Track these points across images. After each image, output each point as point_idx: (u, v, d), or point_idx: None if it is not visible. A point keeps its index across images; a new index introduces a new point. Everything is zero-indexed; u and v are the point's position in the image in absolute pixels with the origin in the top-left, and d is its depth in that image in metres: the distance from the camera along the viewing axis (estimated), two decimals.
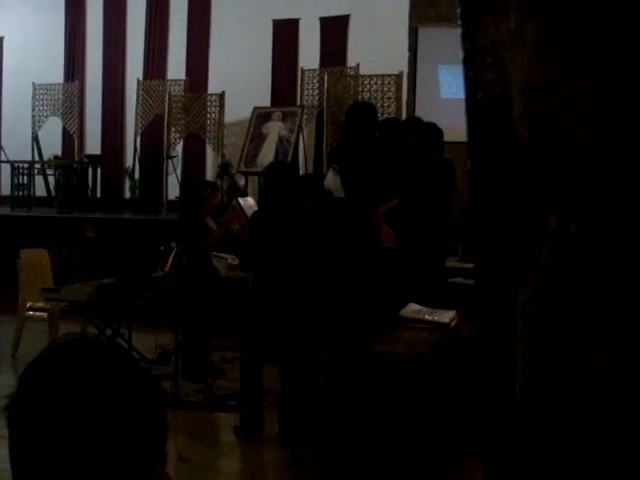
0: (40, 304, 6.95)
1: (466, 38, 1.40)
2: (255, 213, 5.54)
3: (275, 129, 10.38)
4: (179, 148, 11.43)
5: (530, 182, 0.91)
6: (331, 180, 6.03)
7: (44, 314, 6.95)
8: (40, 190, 11.93)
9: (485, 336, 1.57)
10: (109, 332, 6.71)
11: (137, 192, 11.72)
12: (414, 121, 6.73)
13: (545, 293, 0.91)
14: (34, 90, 12.03)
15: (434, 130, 6.52)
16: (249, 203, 6.90)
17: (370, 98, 10.05)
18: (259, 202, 6.32)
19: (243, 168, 10.34)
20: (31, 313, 7.05)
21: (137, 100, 11.58)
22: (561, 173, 0.86)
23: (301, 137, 10.46)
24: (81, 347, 1.19)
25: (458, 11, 1.39)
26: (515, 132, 0.93)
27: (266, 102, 11.05)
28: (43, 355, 1.18)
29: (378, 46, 10.18)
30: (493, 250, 1.53)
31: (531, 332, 0.93)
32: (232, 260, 6.41)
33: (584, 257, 0.87)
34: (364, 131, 5.89)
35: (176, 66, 11.91)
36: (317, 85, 10.73)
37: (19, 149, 11.71)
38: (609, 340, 0.86)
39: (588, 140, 0.83)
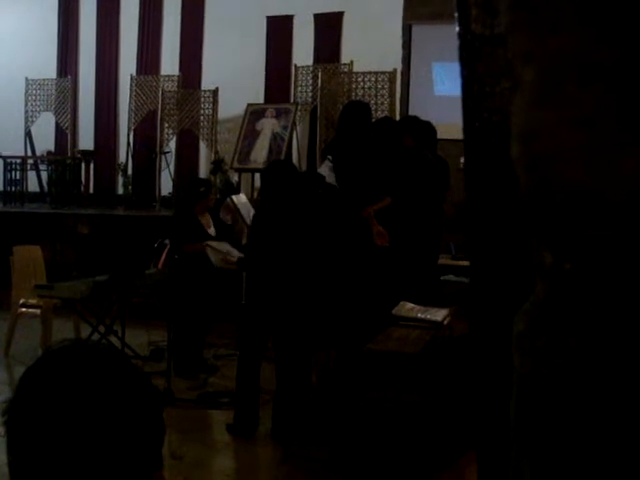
0: (33, 301, 6.95)
1: (464, 66, 1.42)
2: (256, 215, 5.52)
3: (269, 126, 10.38)
4: (172, 144, 11.43)
5: (527, 220, 0.94)
6: (326, 174, 6.03)
7: (37, 311, 6.94)
8: (33, 185, 11.91)
9: (479, 334, 1.58)
10: (102, 329, 6.72)
11: (130, 188, 11.71)
12: (411, 119, 6.74)
13: (539, 326, 0.93)
14: (27, 85, 12.01)
15: (429, 129, 6.54)
16: (242, 200, 6.91)
17: (364, 95, 10.06)
18: (258, 202, 6.31)
19: (236, 165, 10.33)
20: (24, 310, 7.04)
21: (130, 96, 11.56)
22: (557, 214, 0.88)
23: (295, 134, 10.45)
24: (78, 352, 1.20)
25: (457, 43, 1.40)
26: (510, 162, 0.95)
27: (260, 98, 11.04)
28: (40, 361, 1.18)
29: (372, 43, 10.18)
30: (488, 249, 1.54)
31: (526, 364, 0.95)
32: (228, 254, 6.38)
33: (577, 294, 0.89)
34: (358, 130, 5.90)
35: (169, 62, 11.90)
36: (311, 82, 10.72)
37: (12, 144, 11.68)
38: (599, 372, 0.88)
39: (583, 184, 0.86)
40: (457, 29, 1.38)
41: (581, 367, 0.87)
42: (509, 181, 1.03)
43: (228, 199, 6.85)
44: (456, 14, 1.38)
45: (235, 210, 6.75)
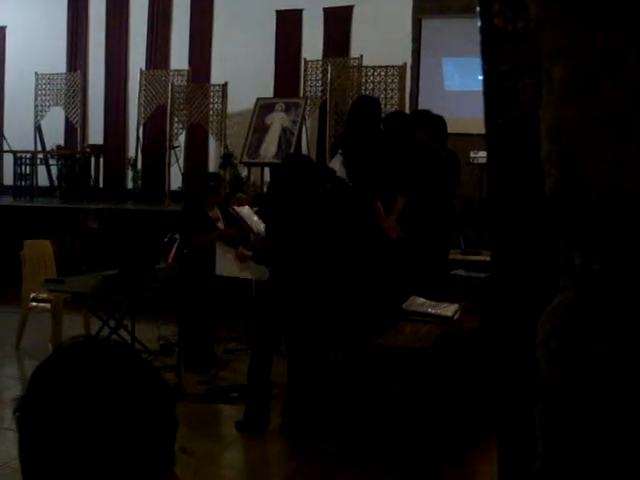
0: (44, 295, 6.96)
1: (486, 62, 1.41)
2: (269, 206, 5.48)
3: (278, 120, 10.37)
4: (182, 138, 11.44)
5: (555, 220, 0.93)
6: (336, 168, 6.02)
7: (47, 305, 6.96)
8: (43, 180, 11.94)
9: (500, 327, 1.58)
10: (112, 323, 6.73)
11: (140, 182, 11.73)
12: (423, 113, 6.71)
13: (568, 330, 0.92)
14: (37, 80, 12.03)
15: (441, 123, 6.51)
16: (244, 212, 6.86)
17: (373, 89, 10.05)
18: (271, 193, 6.25)
19: (246, 159, 10.33)
20: (34, 304, 7.05)
21: (140, 90, 11.57)
22: (586, 213, 0.87)
23: (304, 128, 10.44)
24: (89, 349, 1.19)
25: (479, 38, 1.39)
26: (535, 159, 0.93)
27: (269, 93, 11.04)
28: (51, 357, 1.18)
29: (382, 37, 10.16)
30: (509, 244, 1.53)
31: (553, 366, 0.94)
32: (242, 249, 6.36)
33: (606, 296, 0.88)
34: (368, 125, 5.89)
35: (179, 56, 11.90)
36: (320, 76, 10.71)
37: (22, 139, 11.71)
38: (627, 378, 0.87)
39: (613, 183, 0.84)
40: (479, 24, 1.37)
41: (609, 373, 0.86)
42: (532, 178, 1.02)
43: (230, 209, 6.80)
44: (478, 8, 1.37)
45: (239, 218, 6.71)
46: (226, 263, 6.46)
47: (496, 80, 1.40)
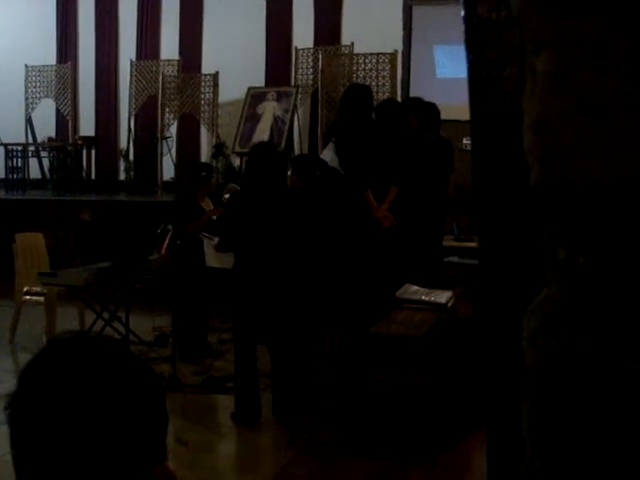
0: (37, 288, 6.94)
1: (471, 51, 1.40)
2: (236, 193, 5.50)
3: (270, 109, 10.35)
4: (173, 129, 11.40)
5: (539, 214, 0.92)
6: (329, 157, 6.01)
7: (41, 298, 6.94)
8: (34, 172, 11.91)
9: (487, 316, 1.58)
10: (106, 315, 6.72)
11: (132, 173, 11.70)
12: (415, 101, 6.71)
13: (553, 326, 0.92)
14: (27, 72, 11.97)
15: (433, 110, 6.50)
16: None
17: (365, 77, 10.02)
18: (241, 182, 6.27)
19: (238, 149, 10.32)
20: (28, 297, 7.03)
21: (130, 81, 11.52)
22: (571, 207, 0.86)
23: (296, 117, 10.42)
24: (79, 345, 1.19)
25: (461, 26, 1.39)
26: (520, 148, 0.93)
27: (260, 82, 11.00)
28: (42, 353, 1.18)
29: (372, 25, 10.13)
30: (495, 232, 1.53)
31: (539, 362, 0.94)
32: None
33: (591, 290, 0.88)
34: (360, 113, 5.88)
35: (169, 46, 11.85)
36: (311, 64, 10.68)
37: (12, 131, 11.66)
38: (613, 373, 0.87)
39: (597, 176, 0.83)
40: (462, 13, 1.36)
41: (595, 368, 0.86)
42: (517, 168, 1.01)
43: (231, 184, 6.82)
44: None
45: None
46: (210, 253, 6.46)
47: (481, 69, 1.40)
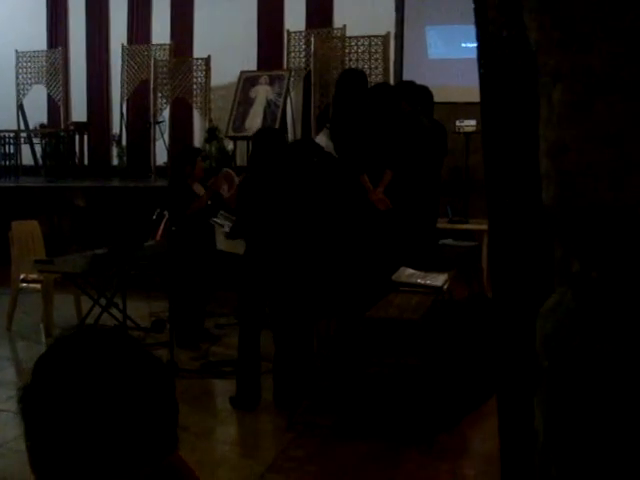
0: (33, 276, 6.96)
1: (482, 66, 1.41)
2: (244, 179, 5.52)
3: (262, 93, 10.32)
4: (166, 113, 11.35)
5: (553, 230, 0.95)
6: (324, 143, 6.02)
7: (38, 286, 6.95)
8: (27, 159, 11.86)
9: (500, 298, 1.60)
10: (103, 302, 6.74)
11: (125, 159, 11.67)
12: (407, 84, 6.70)
13: (567, 332, 0.95)
14: (17, 58, 11.89)
15: (426, 93, 6.50)
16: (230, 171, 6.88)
17: (357, 59, 10.00)
18: (247, 168, 6.29)
19: (231, 133, 10.30)
20: (25, 285, 7.05)
21: (122, 66, 11.46)
22: (583, 227, 0.89)
23: (289, 100, 10.40)
24: (90, 337, 1.21)
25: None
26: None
27: (252, 65, 10.96)
28: (53, 347, 1.20)
29: (364, 7, 10.10)
30: (505, 216, 1.55)
31: (556, 364, 0.96)
32: (227, 228, 6.41)
33: (605, 302, 0.91)
34: (355, 98, 5.89)
35: (161, 30, 11.78)
36: (304, 47, 10.64)
37: (4, 118, 11.60)
38: (627, 380, 0.90)
39: (610, 200, 0.86)
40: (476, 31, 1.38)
41: (611, 369, 0.88)
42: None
43: (225, 169, 6.82)
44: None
45: (231, 179, 6.73)
46: (221, 238, 6.50)
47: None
